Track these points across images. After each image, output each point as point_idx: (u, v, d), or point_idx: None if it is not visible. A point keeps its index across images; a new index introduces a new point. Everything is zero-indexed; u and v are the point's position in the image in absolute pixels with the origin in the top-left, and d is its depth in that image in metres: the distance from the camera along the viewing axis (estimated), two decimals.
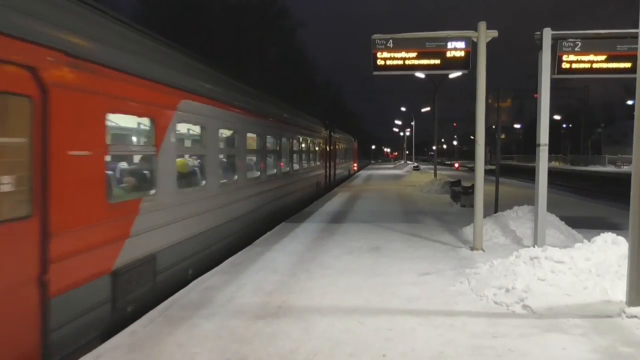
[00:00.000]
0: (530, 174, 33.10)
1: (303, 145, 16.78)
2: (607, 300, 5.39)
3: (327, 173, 23.05)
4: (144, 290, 5.63)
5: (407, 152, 76.28)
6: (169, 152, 6.32)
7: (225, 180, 8.67)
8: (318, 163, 20.16)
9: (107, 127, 4.95)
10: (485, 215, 8.98)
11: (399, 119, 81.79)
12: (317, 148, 20.00)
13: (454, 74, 20.13)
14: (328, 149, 23.32)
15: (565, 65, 8.08)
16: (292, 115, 15.06)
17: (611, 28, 8.06)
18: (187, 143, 8.57)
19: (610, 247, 6.25)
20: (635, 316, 4.97)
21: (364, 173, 43.64)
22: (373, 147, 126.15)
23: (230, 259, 7.96)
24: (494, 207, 11.94)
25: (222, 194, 8.39)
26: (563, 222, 9.67)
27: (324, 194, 20.70)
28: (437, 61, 8.44)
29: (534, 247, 6.85)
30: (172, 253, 6.35)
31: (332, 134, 24.46)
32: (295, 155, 15.13)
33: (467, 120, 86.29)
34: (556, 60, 8.03)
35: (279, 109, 13.36)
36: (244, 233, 9.56)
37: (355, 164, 44.23)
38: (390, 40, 8.45)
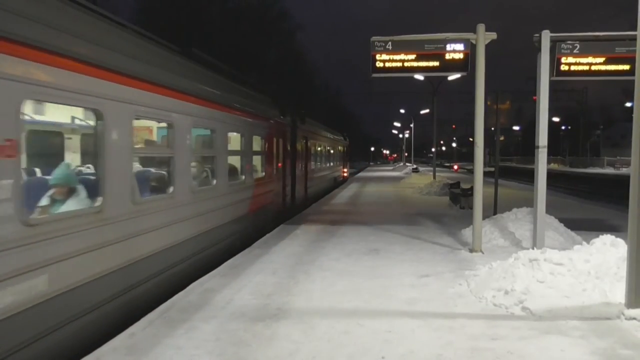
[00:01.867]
0: (529, 176, 33.16)
1: (211, 142, 8.32)
2: (606, 303, 5.38)
3: (288, 188, 14.05)
4: None
5: (406, 154, 76.28)
6: None
7: None
8: (261, 175, 11.02)
9: None
10: (484, 217, 8.99)
11: (398, 121, 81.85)
12: (256, 147, 10.64)
13: (453, 76, 20.13)
14: (288, 147, 14.12)
15: (564, 68, 8.11)
16: (182, 74, 7.26)
17: (607, 31, 8.09)
18: None
19: (609, 249, 6.24)
20: (635, 318, 4.97)
21: (360, 176, 40.94)
22: (372, 148, 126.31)
23: (229, 261, 7.95)
24: (493, 209, 11.94)
25: None
26: (562, 224, 9.68)
27: (274, 227, 11.45)
28: (436, 63, 8.46)
29: (533, 249, 6.86)
30: None
31: (297, 124, 15.64)
32: (187, 165, 7.23)
33: (466, 122, 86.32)
34: (555, 63, 8.06)
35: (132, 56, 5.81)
36: None
37: (346, 169, 34.84)
38: (389, 43, 8.46)
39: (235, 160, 9.66)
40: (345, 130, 43.03)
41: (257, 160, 10.91)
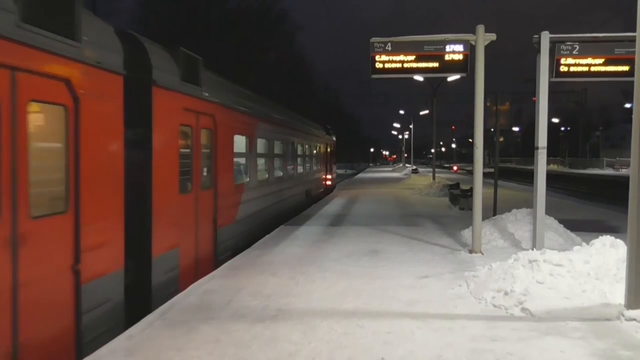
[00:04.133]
0: (528, 177, 33.15)
1: None
2: (606, 304, 5.38)
3: (99, 266, 4.87)
4: None
5: (405, 155, 76.35)
6: None
7: None
8: None
9: None
10: (483, 218, 8.99)
11: (397, 122, 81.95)
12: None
13: (452, 77, 20.13)
14: (128, 139, 5.40)
15: (563, 69, 8.12)
16: None
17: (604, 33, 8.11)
18: None
19: (609, 250, 6.25)
20: (634, 319, 4.97)
21: (357, 179, 39.52)
22: (372, 150, 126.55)
23: (229, 262, 7.95)
24: (493, 210, 11.94)
25: None
26: (562, 225, 9.68)
27: None
28: (436, 64, 8.46)
29: (532, 250, 6.86)
30: None
31: (172, 83, 6.48)
32: None
33: (465, 123, 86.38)
34: (554, 64, 8.07)
35: None
36: None
37: (329, 176, 24.49)
38: (389, 44, 8.47)
39: None
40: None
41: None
